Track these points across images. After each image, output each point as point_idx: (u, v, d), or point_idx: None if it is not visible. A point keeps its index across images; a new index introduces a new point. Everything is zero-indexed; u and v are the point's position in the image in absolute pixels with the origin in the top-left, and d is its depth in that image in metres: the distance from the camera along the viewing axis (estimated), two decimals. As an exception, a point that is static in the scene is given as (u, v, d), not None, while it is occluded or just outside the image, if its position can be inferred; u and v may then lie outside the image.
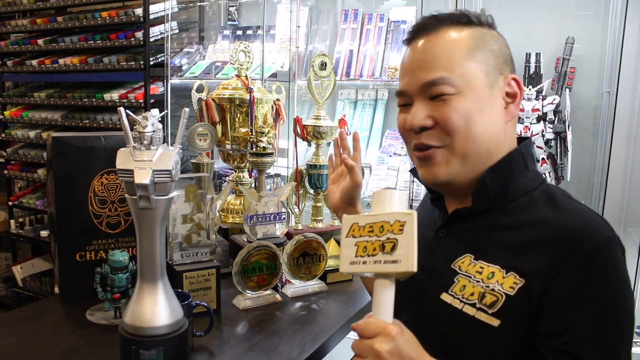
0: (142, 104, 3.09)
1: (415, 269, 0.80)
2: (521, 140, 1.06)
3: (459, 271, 0.97)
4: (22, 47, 3.76)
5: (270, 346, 1.22)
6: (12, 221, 4.06)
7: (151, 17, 3.09)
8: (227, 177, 2.29)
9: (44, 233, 3.81)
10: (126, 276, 1.33)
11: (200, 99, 1.86)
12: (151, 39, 3.10)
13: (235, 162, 1.86)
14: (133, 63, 3.13)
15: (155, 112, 1.02)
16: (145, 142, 1.00)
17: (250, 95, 1.79)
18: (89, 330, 1.28)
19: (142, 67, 3.09)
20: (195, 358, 1.18)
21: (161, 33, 3.14)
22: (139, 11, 3.09)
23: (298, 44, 2.74)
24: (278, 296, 1.49)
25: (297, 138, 1.83)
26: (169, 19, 3.08)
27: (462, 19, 1.01)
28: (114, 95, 3.22)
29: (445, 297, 0.97)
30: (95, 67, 3.31)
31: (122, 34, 3.17)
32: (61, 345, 1.22)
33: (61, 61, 3.47)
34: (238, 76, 1.85)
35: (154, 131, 1.00)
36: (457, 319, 0.94)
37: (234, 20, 3.23)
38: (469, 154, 0.98)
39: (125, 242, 1.44)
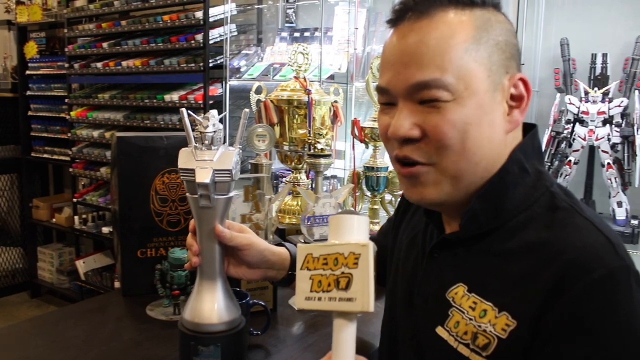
0: (202, 105, 3.14)
1: (371, 309, 0.71)
2: (526, 129, 0.88)
3: (452, 303, 0.82)
4: (88, 51, 3.89)
5: (326, 347, 1.21)
6: (75, 217, 4.21)
7: (211, 19, 3.15)
8: (284, 178, 2.30)
9: (105, 229, 3.93)
10: (185, 273, 1.35)
11: (259, 101, 1.89)
12: (210, 41, 3.15)
13: (293, 163, 1.87)
14: (193, 65, 3.20)
15: (215, 112, 1.04)
16: (207, 142, 1.01)
17: (309, 97, 1.80)
18: (149, 325, 1.31)
19: (202, 68, 3.15)
20: (252, 356, 1.19)
21: (220, 35, 3.19)
22: (199, 14, 3.15)
23: (356, 46, 2.73)
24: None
25: (355, 140, 1.83)
26: (228, 21, 3.12)
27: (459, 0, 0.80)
28: (174, 96, 3.29)
29: (440, 331, 0.83)
30: (157, 69, 3.40)
31: (183, 37, 3.23)
32: (123, 338, 1.25)
33: (124, 63, 3.58)
34: (296, 78, 1.87)
35: (214, 131, 1.02)
36: (452, 358, 0.81)
37: (292, 23, 3.25)
38: (462, 175, 0.80)
39: (184, 240, 1.46)
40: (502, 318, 0.75)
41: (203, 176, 0.97)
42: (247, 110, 1.10)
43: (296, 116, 1.82)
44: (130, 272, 1.45)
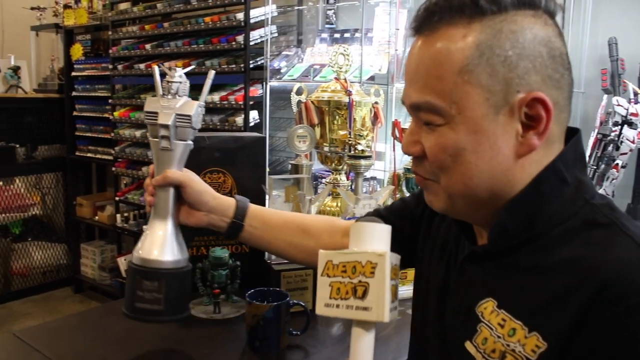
0: (242, 106, 3.17)
1: (386, 319, 0.70)
2: (570, 133, 0.80)
3: (481, 318, 0.78)
4: (131, 52, 3.97)
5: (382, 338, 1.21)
6: (117, 215, 4.29)
7: (251, 21, 3.17)
8: (324, 179, 2.31)
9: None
10: (226, 273, 1.36)
11: (299, 102, 1.89)
12: (251, 43, 3.18)
13: (333, 165, 1.87)
14: (234, 66, 3.23)
15: (180, 68, 1.13)
16: (172, 91, 1.10)
17: (349, 98, 1.79)
18: (189, 322, 1.32)
19: (243, 69, 3.17)
20: (291, 356, 1.19)
21: (261, 37, 3.20)
22: (240, 16, 3.18)
23: (396, 47, 2.72)
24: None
25: (395, 141, 1.82)
26: (269, 22, 3.14)
27: (467, 9, 0.72)
28: (215, 96, 3.32)
29: (469, 346, 0.80)
30: (198, 70, 3.43)
31: (224, 38, 3.27)
32: (164, 335, 1.27)
33: (166, 64, 3.63)
34: (337, 79, 1.87)
35: (180, 82, 1.10)
36: None
37: (332, 24, 3.25)
38: (463, 195, 0.77)
39: (225, 239, 1.48)
40: (532, 339, 0.70)
41: (165, 118, 1.06)
42: (212, 71, 1.17)
43: (337, 117, 1.82)
44: (172, 270, 1.47)
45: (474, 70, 0.71)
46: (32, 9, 4.97)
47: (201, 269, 1.37)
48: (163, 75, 1.12)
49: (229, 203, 1.17)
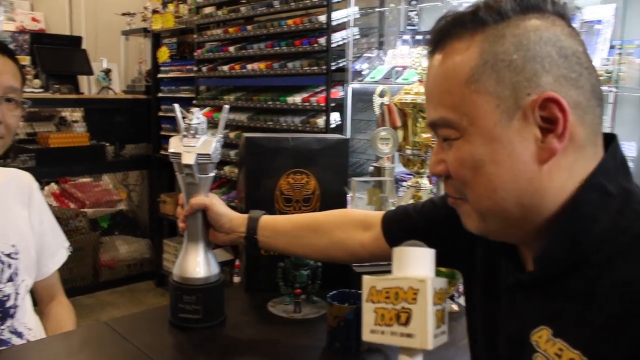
0: (324, 108, 3.18)
1: (430, 346, 0.69)
2: (607, 141, 0.76)
3: (537, 348, 0.74)
4: (215, 54, 4.07)
5: (447, 356, 1.19)
6: (199, 213, 4.40)
7: (333, 23, 3.18)
8: (405, 182, 2.28)
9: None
10: (307, 273, 1.37)
11: (382, 104, 1.88)
12: (333, 45, 3.18)
13: (415, 168, 1.84)
14: (316, 68, 3.25)
15: (197, 109, 1.26)
16: (192, 131, 1.22)
17: (432, 100, 1.76)
18: (270, 321, 1.35)
19: (324, 71, 3.19)
20: (370, 359, 1.19)
21: (343, 39, 3.21)
22: (322, 18, 3.19)
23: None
24: (455, 306, 1.45)
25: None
26: (351, 24, 3.14)
27: (469, 23, 0.72)
28: (297, 98, 3.36)
29: None
30: (280, 72, 3.49)
31: (306, 40, 3.30)
32: (246, 332, 1.30)
33: (249, 66, 3.71)
34: (420, 81, 1.84)
35: (199, 123, 1.23)
36: None
37: (414, 25, 3.22)
38: (490, 213, 0.74)
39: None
40: None
41: (188, 159, 1.19)
42: (227, 106, 1.29)
43: (420, 120, 1.79)
44: (253, 268, 1.50)
45: (480, 79, 0.71)
46: (123, 14, 5.21)
47: (283, 268, 1.38)
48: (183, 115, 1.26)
49: (241, 221, 1.26)
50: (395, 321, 0.71)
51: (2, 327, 1.37)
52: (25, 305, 1.45)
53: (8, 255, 1.39)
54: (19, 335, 1.41)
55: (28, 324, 1.45)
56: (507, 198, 0.72)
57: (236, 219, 1.26)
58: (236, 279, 3.65)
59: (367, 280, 0.77)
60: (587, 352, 0.67)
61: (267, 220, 1.25)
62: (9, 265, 1.39)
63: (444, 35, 0.75)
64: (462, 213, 0.80)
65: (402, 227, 1.09)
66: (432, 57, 0.77)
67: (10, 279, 1.39)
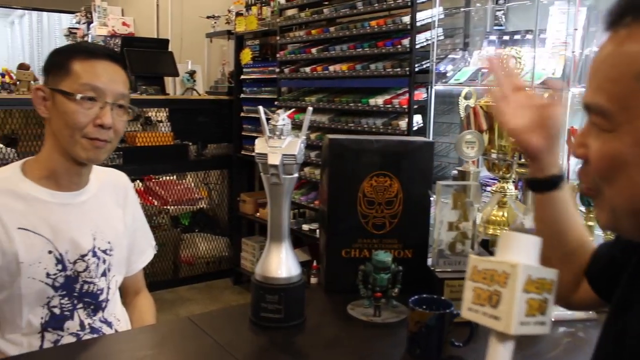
0: (406, 110, 3.13)
1: (511, 331, 0.70)
2: None
3: None
4: (297, 56, 4.10)
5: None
6: (278, 214, 4.45)
7: (417, 24, 3.13)
8: (488, 187, 2.22)
9: (305, 227, 4.08)
10: (387, 276, 1.35)
11: (467, 106, 1.83)
12: (417, 46, 3.14)
13: (501, 172, 1.78)
14: (399, 69, 3.21)
15: (282, 110, 1.29)
16: (277, 133, 1.24)
17: (521, 103, 1.70)
18: (350, 323, 1.34)
19: (407, 73, 3.14)
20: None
21: (427, 40, 3.15)
22: (406, 19, 3.15)
23: (574, 48, 2.54)
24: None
25: (570, 150, 1.70)
26: (436, 25, 3.09)
27: None
28: (379, 100, 3.33)
29: None
30: (362, 74, 3.47)
31: (389, 42, 3.27)
32: (325, 333, 1.30)
33: (331, 68, 3.71)
34: (508, 83, 1.78)
35: (284, 124, 1.25)
36: None
37: (501, 25, 3.12)
38: (626, 214, 0.69)
39: (388, 243, 1.47)
40: None
41: (274, 159, 1.20)
42: (310, 108, 1.34)
43: (507, 123, 1.74)
44: (333, 270, 1.49)
45: None
46: (208, 17, 5.35)
47: (363, 271, 1.36)
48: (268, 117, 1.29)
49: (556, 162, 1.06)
50: (488, 302, 0.74)
51: (95, 318, 1.46)
52: (115, 299, 1.55)
53: (104, 252, 1.48)
54: (109, 324, 1.50)
55: (117, 314, 1.55)
56: None
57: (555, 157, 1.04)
58: (313, 280, 3.67)
59: (472, 260, 0.79)
60: None
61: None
62: (104, 261, 1.48)
63: (628, 13, 0.67)
64: (595, 205, 0.77)
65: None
66: (608, 34, 0.70)
67: (103, 274, 1.48)
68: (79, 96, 1.36)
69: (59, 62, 1.40)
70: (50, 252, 1.38)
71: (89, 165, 1.48)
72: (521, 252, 0.74)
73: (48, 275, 1.37)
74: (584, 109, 0.72)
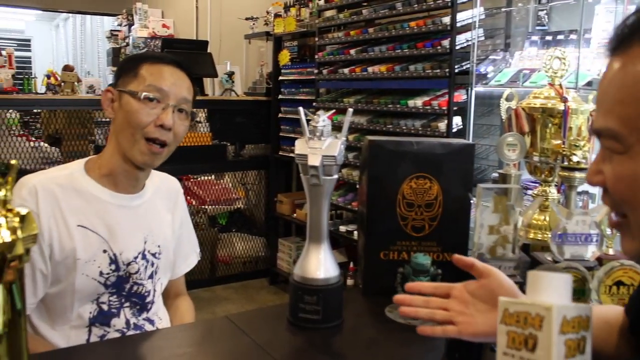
0: (445, 111, 3.10)
1: None
2: None
3: None
4: (335, 57, 4.11)
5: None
6: (314, 214, 4.45)
7: (458, 24, 3.10)
8: (529, 191, 2.18)
9: (342, 228, 4.07)
10: (427, 279, 1.33)
11: (509, 108, 1.80)
12: (457, 47, 3.11)
13: (543, 176, 1.75)
14: (438, 71, 3.18)
15: (322, 112, 1.27)
16: (318, 134, 1.23)
17: (565, 105, 1.67)
18: (387, 326, 1.33)
19: (447, 74, 3.11)
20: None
21: (467, 40, 3.12)
22: (446, 19, 3.13)
23: (619, 50, 2.48)
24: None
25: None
26: (476, 26, 3.05)
27: None
28: (418, 101, 3.31)
29: None
30: (401, 75, 3.45)
31: (429, 43, 3.24)
32: (362, 335, 1.30)
33: (370, 69, 3.70)
34: (551, 84, 1.75)
35: (324, 125, 1.24)
36: None
37: (543, 25, 3.07)
38: None
39: (427, 246, 1.46)
40: None
41: (314, 160, 1.20)
42: (350, 109, 1.33)
43: (550, 125, 1.70)
44: (372, 272, 1.49)
45: None
46: (247, 19, 5.40)
47: (402, 273, 1.36)
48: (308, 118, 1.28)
49: None
50: (524, 346, 0.72)
51: (139, 317, 1.50)
52: (159, 301, 1.59)
53: (153, 255, 1.52)
54: (152, 322, 1.54)
55: (159, 313, 1.58)
56: None
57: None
58: (349, 282, 3.66)
59: (502, 303, 0.77)
60: None
61: None
62: (152, 264, 1.52)
63: (631, 35, 0.68)
64: (622, 234, 0.75)
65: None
66: (612, 58, 0.70)
67: (150, 276, 1.52)
68: (142, 95, 1.40)
69: (129, 67, 1.47)
70: (105, 251, 1.42)
71: (147, 171, 1.52)
72: (553, 293, 0.73)
73: (101, 273, 1.41)
74: (595, 135, 0.73)
